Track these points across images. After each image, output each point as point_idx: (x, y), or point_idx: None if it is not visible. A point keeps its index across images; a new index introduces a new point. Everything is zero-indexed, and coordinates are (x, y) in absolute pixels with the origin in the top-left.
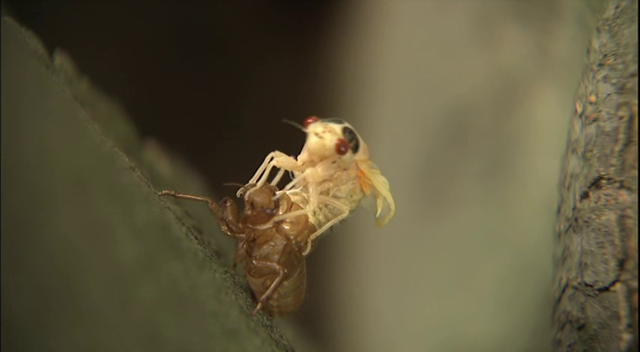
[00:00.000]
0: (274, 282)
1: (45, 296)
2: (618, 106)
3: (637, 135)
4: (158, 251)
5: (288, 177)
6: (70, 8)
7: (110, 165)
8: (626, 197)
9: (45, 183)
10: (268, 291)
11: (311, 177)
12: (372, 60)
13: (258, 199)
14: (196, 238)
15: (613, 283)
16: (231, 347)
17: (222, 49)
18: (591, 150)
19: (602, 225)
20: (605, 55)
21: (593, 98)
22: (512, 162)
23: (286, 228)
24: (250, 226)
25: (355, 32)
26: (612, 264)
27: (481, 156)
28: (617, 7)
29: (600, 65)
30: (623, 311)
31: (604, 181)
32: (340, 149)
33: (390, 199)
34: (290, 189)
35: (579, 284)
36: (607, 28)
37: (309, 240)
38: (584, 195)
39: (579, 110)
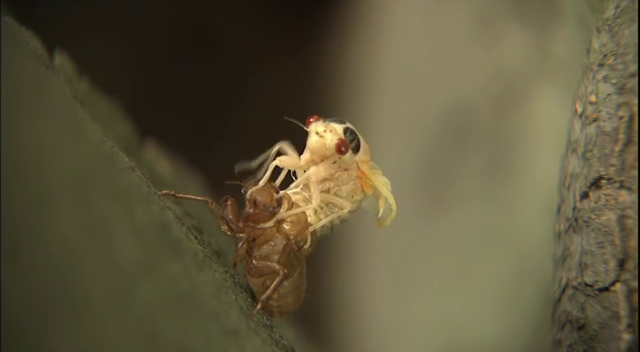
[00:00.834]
0: (274, 282)
1: (45, 296)
2: (618, 106)
3: (637, 135)
4: (158, 251)
5: (289, 178)
6: (70, 8)
7: (110, 165)
8: (626, 197)
9: (45, 183)
10: (268, 291)
11: (313, 176)
12: (371, 59)
13: (260, 197)
14: (196, 238)
15: (613, 283)
16: (231, 347)
17: (223, 49)
18: (591, 150)
19: (602, 225)
20: (605, 55)
21: (593, 98)
22: (512, 162)
23: (286, 227)
24: (251, 225)
25: (355, 32)
26: (612, 264)
27: (481, 156)
28: (617, 7)
29: (600, 65)
30: (623, 311)
31: (604, 181)
32: (341, 149)
33: (391, 200)
34: (292, 188)
35: (579, 284)
36: (607, 28)
37: (308, 233)
38: (584, 195)
39: (579, 110)
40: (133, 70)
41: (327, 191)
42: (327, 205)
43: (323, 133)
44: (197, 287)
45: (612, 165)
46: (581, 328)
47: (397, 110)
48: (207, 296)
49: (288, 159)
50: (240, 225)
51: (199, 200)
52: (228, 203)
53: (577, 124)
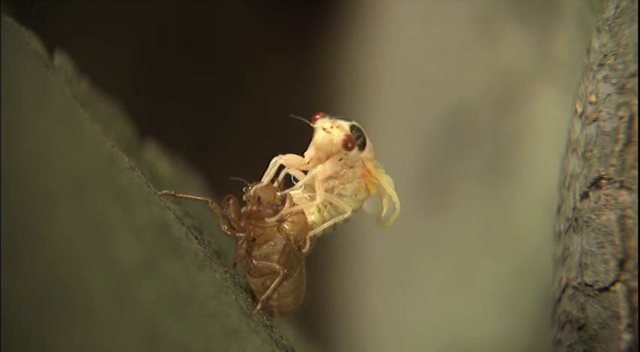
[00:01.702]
0: (274, 282)
1: (45, 296)
2: (618, 106)
3: (637, 135)
4: (158, 251)
5: (290, 180)
6: (70, 8)
7: (110, 165)
8: (626, 197)
9: (45, 183)
10: (268, 291)
11: (319, 174)
12: (371, 59)
13: (263, 194)
14: (196, 238)
15: (613, 283)
16: (231, 347)
17: (223, 49)
18: (591, 150)
19: (602, 225)
20: (605, 55)
21: (593, 98)
22: (512, 162)
23: (287, 227)
24: (254, 222)
25: (355, 32)
26: (612, 264)
27: (481, 156)
28: (617, 7)
29: (600, 65)
30: (623, 311)
31: (604, 181)
32: (347, 145)
33: (395, 198)
34: (297, 188)
35: (579, 284)
36: (607, 28)
37: (307, 237)
38: (584, 195)
39: (579, 110)
40: (133, 69)
41: (332, 189)
42: (330, 204)
43: (330, 129)
44: (197, 287)
45: (612, 165)
46: (581, 328)
47: (397, 110)
48: (207, 296)
49: (293, 158)
50: (242, 223)
51: (199, 200)
52: (231, 202)
53: (577, 124)
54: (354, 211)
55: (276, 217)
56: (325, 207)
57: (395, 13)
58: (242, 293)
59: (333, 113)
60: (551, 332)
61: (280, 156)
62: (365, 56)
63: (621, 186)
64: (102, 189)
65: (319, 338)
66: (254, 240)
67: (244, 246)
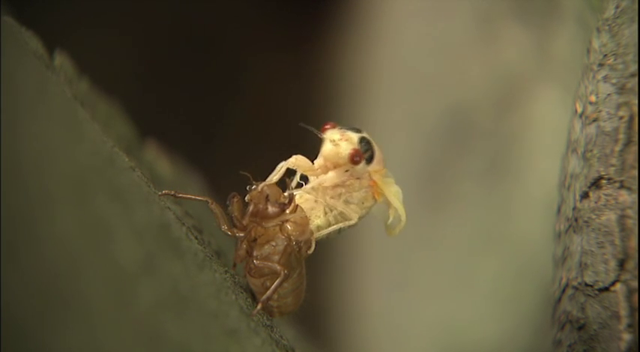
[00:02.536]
0: (275, 283)
1: (45, 296)
2: (618, 106)
3: (637, 135)
4: (158, 251)
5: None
6: (70, 8)
7: (110, 165)
8: (626, 197)
9: (45, 183)
10: (269, 292)
11: (326, 181)
12: (371, 59)
13: (271, 192)
14: (196, 238)
15: (613, 283)
16: (232, 347)
17: (223, 49)
18: (591, 150)
19: (602, 225)
20: (605, 55)
21: (593, 98)
22: (512, 162)
23: (289, 227)
24: (258, 221)
25: (354, 31)
26: (612, 263)
27: (481, 156)
28: (617, 7)
29: (600, 65)
30: (623, 311)
31: (604, 181)
32: (354, 159)
33: (401, 211)
34: (303, 191)
35: (579, 284)
36: (607, 28)
37: (312, 239)
38: (584, 195)
39: (579, 110)
40: (133, 69)
41: (339, 196)
42: (336, 208)
43: (338, 141)
44: (197, 287)
45: (612, 165)
46: (581, 328)
47: (397, 109)
48: (207, 296)
49: (303, 161)
50: (246, 221)
51: (199, 200)
52: (235, 199)
53: (577, 124)
54: (360, 218)
55: (281, 217)
56: (331, 210)
57: (395, 13)
58: (242, 293)
59: (333, 114)
60: (551, 332)
61: (294, 156)
62: (365, 55)
63: (621, 186)
64: (102, 189)
65: (319, 338)
66: (255, 240)
67: (244, 246)
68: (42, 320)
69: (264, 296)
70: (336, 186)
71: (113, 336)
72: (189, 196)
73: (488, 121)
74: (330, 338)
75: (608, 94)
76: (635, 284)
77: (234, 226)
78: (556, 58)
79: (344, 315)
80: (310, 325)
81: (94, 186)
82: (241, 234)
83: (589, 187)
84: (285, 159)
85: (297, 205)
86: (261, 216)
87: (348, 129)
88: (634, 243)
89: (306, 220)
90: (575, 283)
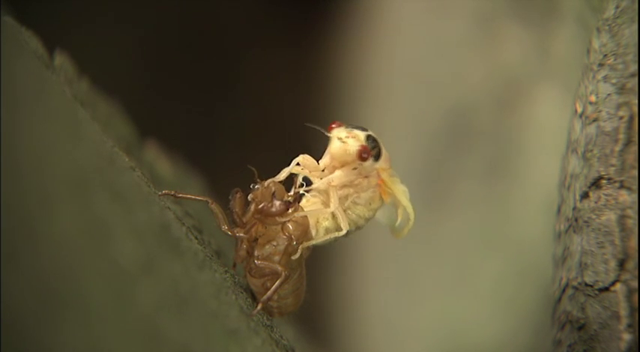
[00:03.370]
0: (275, 283)
1: (44, 296)
2: (618, 106)
3: (637, 135)
4: (158, 251)
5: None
6: (70, 8)
7: (110, 165)
8: (626, 197)
9: (45, 183)
10: (269, 292)
11: (334, 180)
12: (371, 59)
13: (277, 189)
14: (196, 238)
15: (613, 283)
16: (232, 347)
17: (223, 49)
18: (591, 150)
19: (602, 225)
20: (605, 55)
21: (593, 98)
22: (512, 162)
23: (290, 227)
24: (262, 218)
25: (354, 32)
26: (612, 263)
27: (481, 157)
28: (617, 7)
29: (600, 65)
30: (623, 311)
31: (604, 181)
32: (362, 155)
33: (409, 209)
34: (311, 190)
35: (579, 284)
36: (607, 28)
37: (310, 244)
38: (584, 195)
39: (579, 110)
40: (133, 69)
41: (346, 197)
42: (344, 211)
43: (345, 139)
44: (197, 287)
45: (612, 165)
46: (581, 328)
47: (397, 109)
48: (207, 296)
49: (309, 161)
50: (247, 218)
51: (199, 200)
52: (238, 195)
53: (577, 124)
54: (366, 220)
55: (286, 216)
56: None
57: (396, 12)
58: (242, 293)
59: (333, 114)
60: (551, 332)
61: (301, 155)
62: (365, 55)
63: (621, 186)
64: (102, 189)
65: (319, 338)
66: (256, 240)
67: (245, 246)
68: (42, 320)
69: (265, 297)
70: (343, 187)
71: (113, 336)
72: (189, 196)
73: (489, 121)
74: (330, 338)
75: (608, 94)
76: (635, 284)
77: (235, 222)
78: (556, 58)
79: (344, 315)
80: (310, 325)
81: (94, 186)
82: (242, 234)
83: (589, 187)
84: (286, 159)
85: (300, 205)
86: (265, 213)
87: (354, 127)
88: (634, 243)
89: (307, 220)
90: (575, 283)
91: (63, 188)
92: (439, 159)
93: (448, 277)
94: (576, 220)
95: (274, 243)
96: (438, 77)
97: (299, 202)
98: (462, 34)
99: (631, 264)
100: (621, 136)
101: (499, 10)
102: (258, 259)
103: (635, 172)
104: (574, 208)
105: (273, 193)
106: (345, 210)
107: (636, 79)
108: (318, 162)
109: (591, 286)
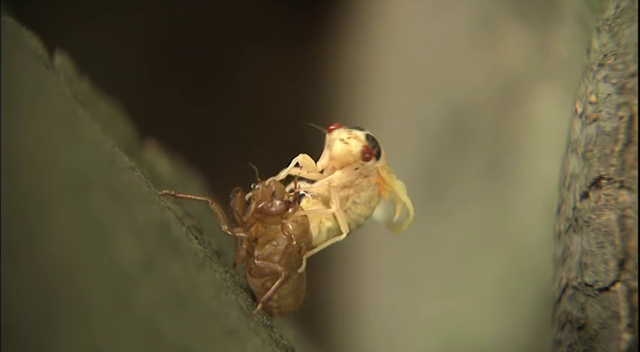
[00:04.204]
0: (275, 284)
1: (45, 296)
2: (618, 106)
3: (637, 135)
4: (158, 251)
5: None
6: (70, 8)
7: (110, 165)
8: (626, 197)
9: (45, 183)
10: (269, 292)
11: (334, 180)
12: (371, 59)
13: (278, 188)
14: (196, 238)
15: (613, 283)
16: (232, 347)
17: (223, 49)
18: (591, 150)
19: (602, 225)
20: (606, 55)
21: (593, 98)
22: (512, 162)
23: (290, 227)
24: (261, 217)
25: (355, 32)
26: (612, 264)
27: (481, 156)
28: (617, 7)
29: (600, 65)
30: (623, 311)
31: (604, 181)
32: (365, 155)
33: (409, 204)
34: (310, 188)
35: (579, 284)
36: (607, 28)
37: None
38: (585, 195)
39: (579, 110)
40: (133, 70)
41: (347, 198)
42: (345, 212)
43: (347, 140)
44: (197, 287)
45: (612, 165)
46: (581, 328)
47: (397, 109)
48: (207, 296)
49: (309, 161)
50: (247, 217)
51: (199, 200)
52: (238, 194)
53: (577, 124)
54: (366, 218)
55: (286, 215)
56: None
57: (396, 12)
58: (242, 293)
59: (334, 114)
60: (551, 332)
61: (301, 155)
62: (365, 55)
63: (621, 186)
64: (102, 189)
65: (319, 338)
66: (256, 239)
67: (245, 246)
68: (41, 320)
69: (265, 297)
70: (344, 187)
71: (113, 336)
72: (189, 196)
73: (489, 121)
74: (330, 338)
75: (608, 94)
76: (635, 284)
77: (235, 221)
78: (556, 58)
79: (344, 315)
80: (310, 325)
81: (94, 186)
82: (242, 234)
83: (589, 187)
84: (286, 158)
85: (300, 205)
86: (265, 212)
87: (352, 128)
88: (634, 243)
89: (307, 220)
90: (575, 283)
91: (63, 188)
92: (439, 159)
93: (448, 277)
94: (576, 220)
95: (274, 243)
96: (438, 77)
97: (299, 202)
98: (462, 34)
99: (631, 264)
100: (621, 136)
101: (499, 10)
102: (258, 259)
103: (635, 172)
104: (574, 208)
105: (274, 192)
106: (345, 211)
107: (636, 79)
108: (317, 162)
109: (591, 286)
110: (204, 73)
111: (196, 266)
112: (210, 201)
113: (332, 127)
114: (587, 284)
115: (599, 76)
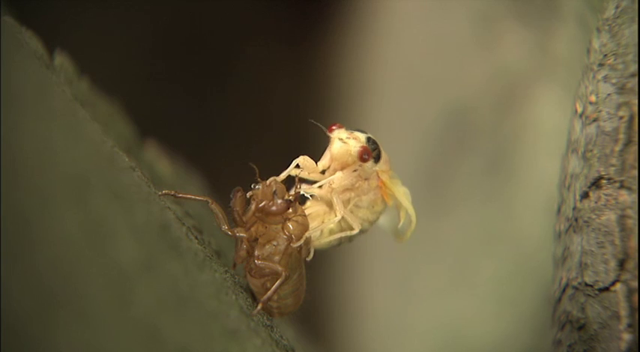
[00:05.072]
0: (275, 284)
1: (45, 296)
2: (618, 106)
3: (637, 135)
4: (158, 251)
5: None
6: (70, 8)
7: (110, 165)
8: (626, 197)
9: (45, 183)
10: (269, 293)
11: (335, 181)
12: (371, 59)
13: (279, 188)
14: (196, 238)
15: (613, 283)
16: (232, 347)
17: (223, 49)
18: (591, 150)
19: (602, 225)
20: (606, 55)
21: (593, 98)
22: (512, 162)
23: (291, 227)
24: (262, 216)
25: (355, 32)
26: (612, 263)
27: (481, 156)
28: (617, 7)
29: (600, 65)
30: (623, 311)
31: (604, 181)
32: (363, 156)
33: (411, 211)
34: (311, 189)
35: (579, 284)
36: (607, 28)
37: (312, 245)
38: (585, 195)
39: (579, 110)
40: (133, 70)
41: (348, 201)
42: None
43: (346, 139)
44: (197, 287)
45: (612, 165)
46: (581, 328)
47: (396, 109)
48: (207, 296)
49: (309, 162)
50: (247, 217)
51: (199, 200)
52: (239, 194)
53: (577, 124)
54: (371, 223)
55: (287, 215)
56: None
57: (396, 12)
58: (242, 293)
59: (334, 115)
60: (551, 332)
61: (301, 156)
62: (365, 55)
63: (621, 186)
64: (102, 189)
65: (319, 338)
66: (256, 240)
67: (245, 246)
68: (42, 319)
69: (265, 297)
70: (345, 190)
71: (113, 336)
72: (189, 196)
73: (489, 121)
74: (330, 338)
75: (608, 94)
76: (635, 284)
77: (235, 221)
78: (556, 58)
79: (344, 315)
80: (310, 325)
81: (94, 186)
82: (242, 234)
83: (589, 187)
84: (286, 158)
85: (300, 205)
86: (266, 211)
87: (353, 129)
88: (634, 243)
89: (307, 220)
90: (575, 283)
91: (63, 188)
92: (439, 159)
93: (448, 277)
94: (576, 220)
95: (274, 243)
96: (438, 77)
97: (299, 202)
98: (462, 34)
99: (631, 264)
100: (621, 136)
101: (499, 10)
102: (258, 259)
103: (635, 172)
104: (574, 208)
105: (275, 191)
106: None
107: (636, 79)
108: (317, 163)
109: (591, 286)
110: (205, 73)
111: (196, 266)
112: (210, 201)
113: (333, 128)
114: (587, 284)
115: (599, 76)
